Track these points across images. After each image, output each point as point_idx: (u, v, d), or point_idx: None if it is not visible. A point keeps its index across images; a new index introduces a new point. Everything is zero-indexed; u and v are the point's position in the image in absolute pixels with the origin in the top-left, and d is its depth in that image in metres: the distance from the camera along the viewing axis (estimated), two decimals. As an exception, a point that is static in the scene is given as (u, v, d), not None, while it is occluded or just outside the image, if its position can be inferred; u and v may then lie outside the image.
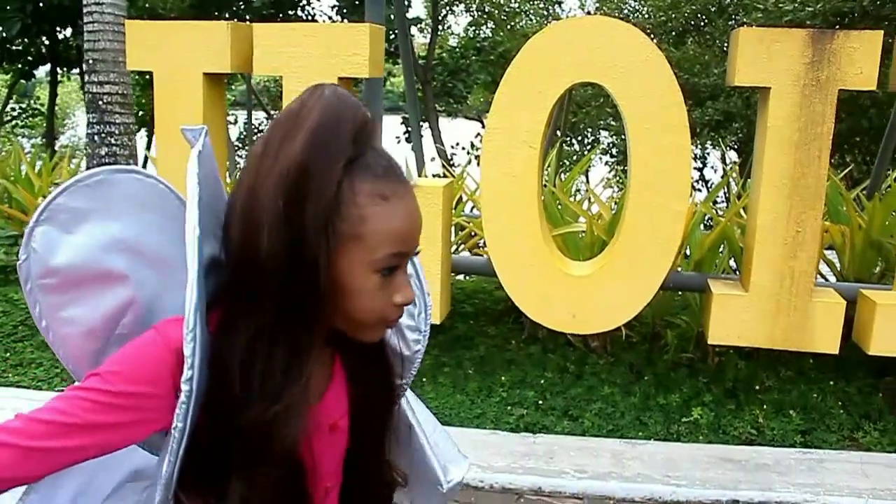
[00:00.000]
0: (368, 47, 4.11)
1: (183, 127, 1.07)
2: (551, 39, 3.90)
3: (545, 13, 14.76)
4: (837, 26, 8.15)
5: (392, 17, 8.65)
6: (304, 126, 0.96)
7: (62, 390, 1.00)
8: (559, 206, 4.94)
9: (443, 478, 1.39)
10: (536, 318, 4.14)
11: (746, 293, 3.93)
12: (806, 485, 3.63)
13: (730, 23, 10.40)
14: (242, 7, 11.96)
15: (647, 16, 12.45)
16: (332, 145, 0.96)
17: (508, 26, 14.42)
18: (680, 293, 5.05)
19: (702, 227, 5.39)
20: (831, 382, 4.63)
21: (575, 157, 13.86)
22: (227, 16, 12.12)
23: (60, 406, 0.95)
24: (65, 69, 16.43)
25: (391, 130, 10.08)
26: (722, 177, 10.47)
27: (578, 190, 6.04)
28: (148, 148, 13.46)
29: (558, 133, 12.14)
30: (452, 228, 5.18)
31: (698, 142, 11.43)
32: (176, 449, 0.98)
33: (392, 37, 10.73)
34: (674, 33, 11.36)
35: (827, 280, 4.98)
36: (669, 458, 3.82)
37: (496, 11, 14.60)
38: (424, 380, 4.58)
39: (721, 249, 4.94)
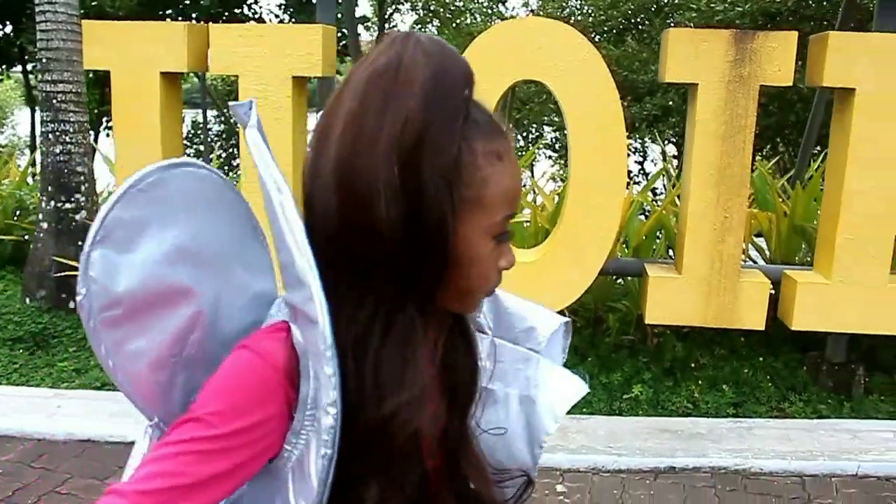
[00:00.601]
0: (321, 47, 4.29)
1: (231, 103, 0.98)
2: (495, 40, 4.14)
3: (489, 12, 15.03)
4: (769, 25, 8.55)
5: (341, 16, 8.82)
6: (412, 81, 0.85)
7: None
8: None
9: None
10: (485, 303, 4.36)
11: (680, 276, 4.22)
12: (736, 450, 3.93)
13: (667, 21, 10.78)
14: (189, 5, 11.99)
15: (588, 14, 12.80)
16: (447, 101, 0.86)
17: (454, 24, 14.66)
18: (621, 280, 5.34)
19: (641, 216, 5.70)
20: (761, 359, 4.97)
21: (520, 153, 14.17)
22: (171, 13, 12.13)
23: (165, 468, 0.82)
24: (3, 67, 16.21)
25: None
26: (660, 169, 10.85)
27: (524, 184, 6.28)
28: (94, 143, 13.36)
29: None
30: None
31: (638, 136, 11.79)
32: (324, 479, 0.88)
33: (341, 36, 10.87)
34: (614, 31, 11.73)
35: (756, 263, 5.31)
36: (611, 431, 4.09)
37: (441, 10, 14.84)
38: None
39: (658, 236, 5.25)
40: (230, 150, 12.99)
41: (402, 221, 0.85)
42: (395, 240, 0.86)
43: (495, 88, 4.12)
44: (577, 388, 1.20)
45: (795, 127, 9.53)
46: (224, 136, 13.55)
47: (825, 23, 8.41)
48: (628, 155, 12.65)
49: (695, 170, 4.10)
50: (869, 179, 4.03)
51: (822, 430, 4.16)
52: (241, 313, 1.00)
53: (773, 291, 4.35)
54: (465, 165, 0.88)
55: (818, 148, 6.98)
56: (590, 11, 12.67)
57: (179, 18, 11.96)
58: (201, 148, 12.80)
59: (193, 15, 11.85)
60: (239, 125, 0.97)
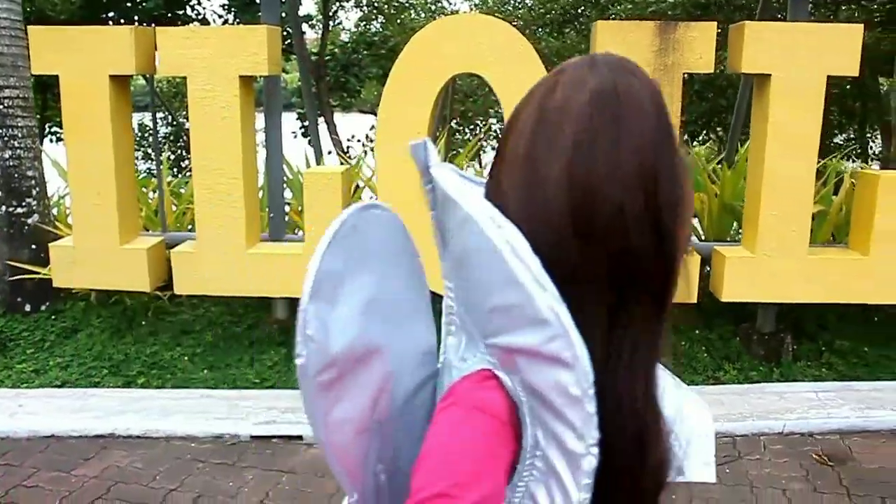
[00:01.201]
0: (266, 47, 4.45)
1: (411, 144, 0.93)
2: (434, 35, 4.33)
3: (432, 8, 15.20)
4: (700, 16, 8.85)
5: (285, 14, 8.92)
6: (639, 105, 0.85)
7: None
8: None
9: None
10: (431, 287, 4.56)
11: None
12: (672, 417, 4.19)
13: (604, 14, 11.05)
14: (131, 7, 11.96)
15: (529, 8, 13.06)
16: (667, 120, 0.87)
17: (398, 20, 14.80)
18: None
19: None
20: (697, 331, 5.25)
21: (463, 144, 14.41)
22: (113, 16, 12.09)
23: None
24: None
25: (288, 126, 10.33)
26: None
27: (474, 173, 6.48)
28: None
29: (454, 123, 12.61)
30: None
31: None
32: None
33: (286, 35, 10.97)
34: (555, 24, 12.00)
35: (689, 241, 5.59)
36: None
37: (386, 6, 14.96)
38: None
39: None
40: (178, 153, 12.99)
41: (652, 243, 0.84)
42: (648, 257, 0.84)
43: (435, 81, 4.32)
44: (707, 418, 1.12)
45: (728, 112, 9.91)
46: (172, 137, 13.55)
47: (754, 13, 8.73)
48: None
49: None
50: (787, 159, 4.31)
51: (752, 394, 4.44)
52: (417, 369, 0.95)
53: (709, 269, 4.62)
54: (679, 179, 0.87)
55: (747, 131, 7.29)
56: (531, 5, 12.93)
57: (122, 21, 11.92)
58: (150, 151, 12.79)
59: (136, 17, 11.83)
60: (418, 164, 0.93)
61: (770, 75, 4.24)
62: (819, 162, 5.61)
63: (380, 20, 15.71)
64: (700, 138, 10.65)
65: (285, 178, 5.46)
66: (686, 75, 4.35)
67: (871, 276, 4.47)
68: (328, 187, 4.45)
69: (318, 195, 4.48)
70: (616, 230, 0.83)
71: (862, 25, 4.30)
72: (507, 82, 4.28)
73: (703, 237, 5.55)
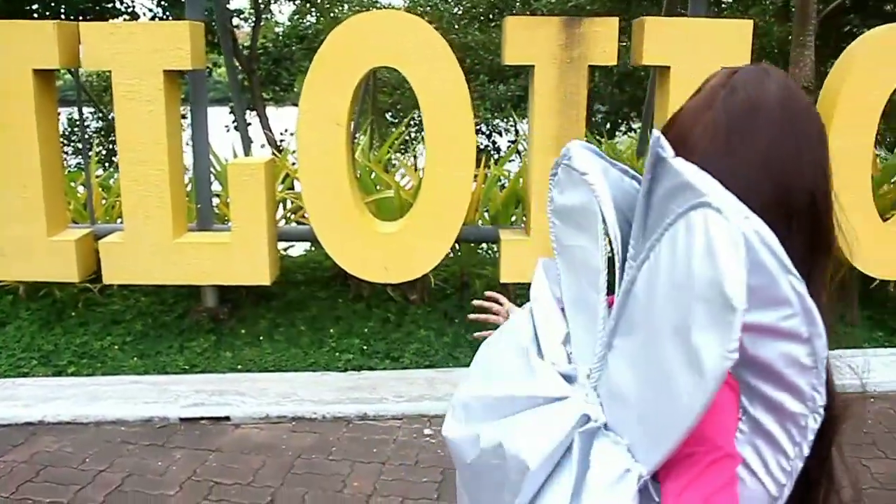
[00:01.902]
0: (190, 42, 4.57)
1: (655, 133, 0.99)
2: (353, 29, 4.51)
3: (364, 2, 15.32)
4: (619, 11, 9.18)
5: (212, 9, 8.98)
6: (808, 107, 1.07)
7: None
8: (373, 177, 5.58)
9: None
10: (354, 272, 4.76)
11: (529, 237, 4.70)
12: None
13: (526, 9, 11.30)
14: (56, 1, 11.85)
15: (456, 3, 13.28)
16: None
17: (331, 14, 14.88)
18: (486, 248, 5.82)
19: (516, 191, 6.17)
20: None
21: (387, 133, 14.56)
22: (38, 9, 11.96)
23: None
24: None
25: (221, 120, 10.39)
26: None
27: (393, 163, 6.62)
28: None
29: (389, 115, 12.80)
30: (282, 204, 5.72)
31: (504, 114, 12.33)
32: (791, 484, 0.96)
33: (214, 29, 11.01)
34: (481, 18, 12.26)
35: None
36: (473, 380, 4.55)
37: (319, 0, 15.03)
38: (261, 338, 5.12)
39: (518, 207, 5.74)
40: (110, 147, 12.89)
41: (827, 208, 1.05)
42: (832, 233, 1.06)
43: (354, 74, 4.50)
44: None
45: (643, 102, 10.31)
46: (103, 132, 13.43)
47: (677, 5, 9.09)
48: (498, 133, 13.29)
49: (536, 141, 4.59)
50: (685, 145, 4.59)
51: None
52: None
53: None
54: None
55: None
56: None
57: (48, 14, 11.81)
58: (79, 146, 12.68)
59: (62, 11, 11.72)
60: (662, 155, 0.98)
61: (669, 67, 4.52)
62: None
63: (313, 13, 15.77)
64: (622, 128, 11.00)
65: (214, 171, 5.59)
66: (611, 68, 4.61)
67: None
68: (252, 178, 4.60)
69: (242, 186, 4.63)
70: (810, 210, 1.02)
71: (752, 21, 4.61)
72: (423, 77, 4.48)
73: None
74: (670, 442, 0.88)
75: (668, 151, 0.94)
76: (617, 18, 4.53)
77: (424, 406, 4.27)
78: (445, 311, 5.50)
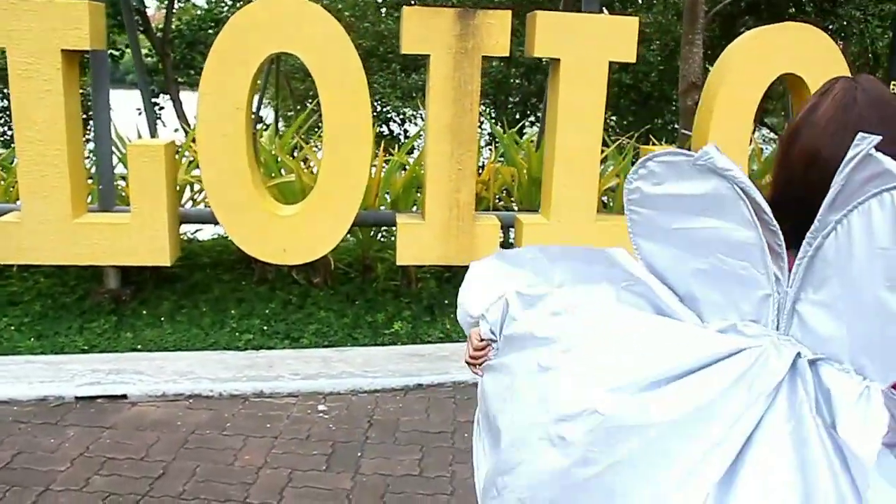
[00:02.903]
0: (88, 22, 4.57)
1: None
2: (251, 17, 4.58)
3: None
4: (525, 3, 9.37)
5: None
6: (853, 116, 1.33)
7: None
8: (278, 161, 5.66)
9: None
10: (254, 254, 4.85)
11: (424, 222, 4.86)
12: (474, 368, 4.62)
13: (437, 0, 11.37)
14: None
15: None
16: None
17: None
18: (389, 232, 5.95)
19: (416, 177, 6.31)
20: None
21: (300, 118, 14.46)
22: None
23: None
24: None
25: (135, 103, 10.23)
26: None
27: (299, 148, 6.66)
28: None
29: (309, 103, 12.76)
30: (190, 186, 5.76)
31: (414, 103, 12.41)
32: None
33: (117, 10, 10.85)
34: (396, 5, 12.33)
35: (513, 210, 6.02)
36: (367, 358, 4.70)
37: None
38: (163, 319, 5.16)
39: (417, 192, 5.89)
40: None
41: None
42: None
43: (253, 59, 4.58)
44: None
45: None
46: (8, 112, 13.09)
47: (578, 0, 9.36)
48: (410, 121, 13.38)
49: (431, 129, 4.74)
50: (573, 136, 4.81)
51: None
52: None
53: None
54: None
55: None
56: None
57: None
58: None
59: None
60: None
61: (559, 60, 4.73)
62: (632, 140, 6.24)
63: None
64: (532, 118, 11.25)
65: (119, 153, 5.58)
66: (520, 59, 4.78)
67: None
68: (152, 160, 4.65)
69: (141, 167, 4.67)
70: (828, 177, 1.22)
71: (636, 19, 4.85)
72: (319, 61, 4.58)
73: (516, 207, 6.03)
74: None
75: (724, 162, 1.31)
76: (510, 11, 4.71)
77: (320, 384, 4.39)
78: (347, 294, 5.62)
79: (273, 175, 5.52)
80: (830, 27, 10.57)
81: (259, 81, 5.33)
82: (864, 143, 1.16)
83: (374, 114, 11.33)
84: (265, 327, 5.14)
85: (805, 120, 1.39)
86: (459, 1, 9.73)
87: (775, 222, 1.31)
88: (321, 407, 4.27)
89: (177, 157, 5.37)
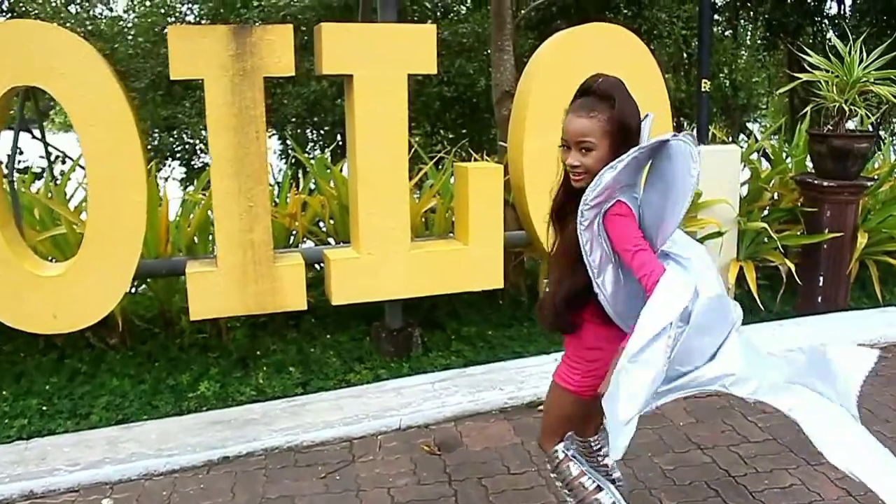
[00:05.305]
0: None
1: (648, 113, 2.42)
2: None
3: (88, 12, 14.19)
4: (336, 17, 8.92)
5: None
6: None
7: None
8: (52, 212, 4.92)
9: None
10: (16, 324, 4.13)
11: (217, 268, 4.27)
12: (288, 428, 4.07)
13: (238, 17, 10.69)
14: None
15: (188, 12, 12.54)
16: None
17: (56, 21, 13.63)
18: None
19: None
20: (328, 336, 5.22)
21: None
22: None
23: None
24: None
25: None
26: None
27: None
28: None
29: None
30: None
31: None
32: None
33: None
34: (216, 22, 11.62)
35: (330, 245, 5.50)
36: (163, 433, 4.05)
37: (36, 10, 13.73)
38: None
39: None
40: None
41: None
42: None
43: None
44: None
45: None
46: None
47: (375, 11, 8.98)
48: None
49: (215, 164, 4.17)
50: (376, 157, 4.36)
51: (370, 394, 4.45)
52: None
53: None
54: None
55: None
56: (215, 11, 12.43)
57: None
58: None
59: None
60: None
61: (352, 76, 4.26)
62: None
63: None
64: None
65: None
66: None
67: (471, 264, 4.66)
68: None
69: None
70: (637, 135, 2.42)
71: (434, 26, 4.45)
72: (72, 93, 3.93)
73: (331, 240, 5.52)
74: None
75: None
76: (291, 26, 4.19)
77: (105, 472, 3.72)
78: (149, 353, 4.96)
79: (46, 228, 4.80)
80: (641, 28, 10.70)
81: (13, 121, 4.59)
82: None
83: (180, 146, 10.54)
84: (44, 407, 4.40)
85: None
86: (246, 19, 9.11)
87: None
88: (105, 501, 3.61)
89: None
